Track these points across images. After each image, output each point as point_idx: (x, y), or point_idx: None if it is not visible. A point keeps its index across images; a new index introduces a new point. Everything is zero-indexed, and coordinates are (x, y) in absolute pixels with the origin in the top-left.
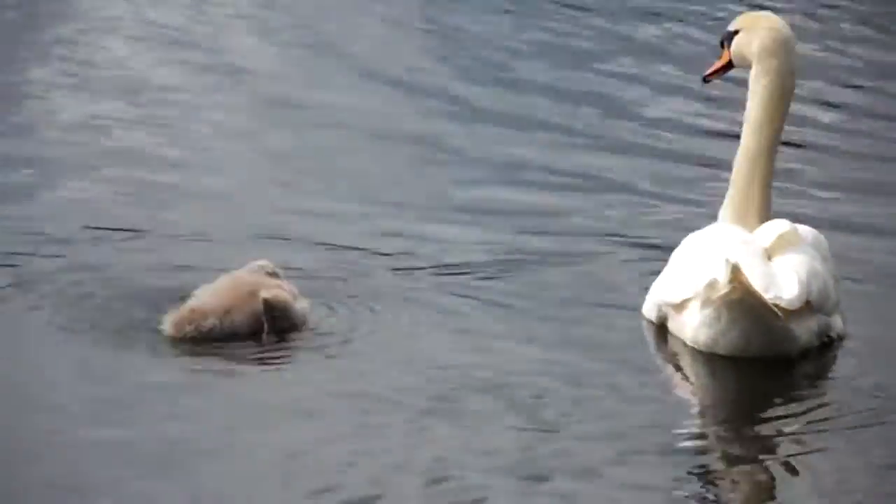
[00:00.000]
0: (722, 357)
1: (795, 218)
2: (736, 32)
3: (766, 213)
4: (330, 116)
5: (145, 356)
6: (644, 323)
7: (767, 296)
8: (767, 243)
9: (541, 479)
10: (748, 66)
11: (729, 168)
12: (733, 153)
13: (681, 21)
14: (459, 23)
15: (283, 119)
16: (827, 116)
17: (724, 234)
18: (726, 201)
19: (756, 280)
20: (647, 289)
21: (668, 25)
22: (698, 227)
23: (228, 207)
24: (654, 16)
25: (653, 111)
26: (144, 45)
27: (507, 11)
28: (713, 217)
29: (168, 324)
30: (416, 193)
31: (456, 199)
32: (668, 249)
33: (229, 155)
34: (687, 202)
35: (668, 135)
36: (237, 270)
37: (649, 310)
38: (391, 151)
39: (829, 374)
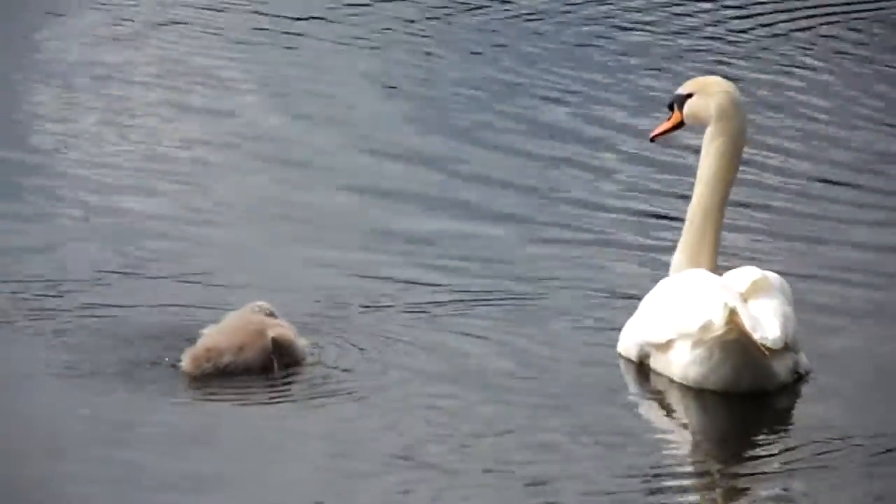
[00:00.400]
0: (706, 394)
1: (748, 258)
2: (689, 96)
3: (715, 262)
4: (319, 172)
5: (162, 395)
6: (622, 361)
7: (755, 336)
8: (742, 288)
9: None
10: (702, 126)
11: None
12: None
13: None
14: (429, 78)
15: (282, 170)
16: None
17: (702, 280)
18: (678, 252)
19: (745, 322)
20: (617, 329)
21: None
22: (658, 274)
23: (224, 251)
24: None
25: (627, 163)
26: (154, 92)
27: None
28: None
29: (186, 361)
30: (401, 239)
31: (440, 243)
32: (633, 292)
33: (220, 201)
34: (649, 249)
35: (638, 186)
36: (238, 311)
37: (628, 349)
38: (372, 200)
39: (801, 410)
